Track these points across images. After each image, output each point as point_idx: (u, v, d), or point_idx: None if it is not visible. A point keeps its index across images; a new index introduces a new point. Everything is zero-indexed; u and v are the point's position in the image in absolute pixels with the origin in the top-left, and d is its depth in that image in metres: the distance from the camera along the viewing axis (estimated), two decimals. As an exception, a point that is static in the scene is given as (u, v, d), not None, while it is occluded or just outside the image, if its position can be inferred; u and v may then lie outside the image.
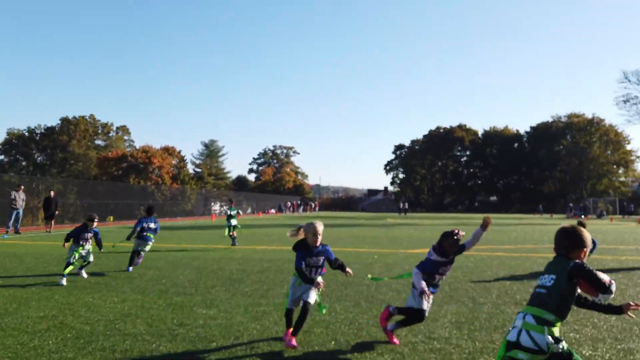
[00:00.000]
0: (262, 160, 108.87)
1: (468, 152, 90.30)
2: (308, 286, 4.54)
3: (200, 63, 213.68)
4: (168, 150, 62.33)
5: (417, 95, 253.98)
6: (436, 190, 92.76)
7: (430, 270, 4.63)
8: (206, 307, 6.17)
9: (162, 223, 14.07)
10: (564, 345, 2.79)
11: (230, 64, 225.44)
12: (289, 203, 68.38)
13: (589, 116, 78.79)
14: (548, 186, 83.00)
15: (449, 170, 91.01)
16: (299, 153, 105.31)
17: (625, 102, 62.62)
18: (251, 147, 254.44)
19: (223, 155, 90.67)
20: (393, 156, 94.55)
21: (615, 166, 77.81)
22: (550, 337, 2.75)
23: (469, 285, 7.87)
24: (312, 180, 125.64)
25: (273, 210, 60.87)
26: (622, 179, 79.46)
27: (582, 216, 50.24)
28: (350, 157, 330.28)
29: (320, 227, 4.59)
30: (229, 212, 15.28)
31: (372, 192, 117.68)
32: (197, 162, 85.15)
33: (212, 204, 67.03)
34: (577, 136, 78.59)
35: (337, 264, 4.74)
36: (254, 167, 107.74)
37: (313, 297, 4.55)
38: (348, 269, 4.75)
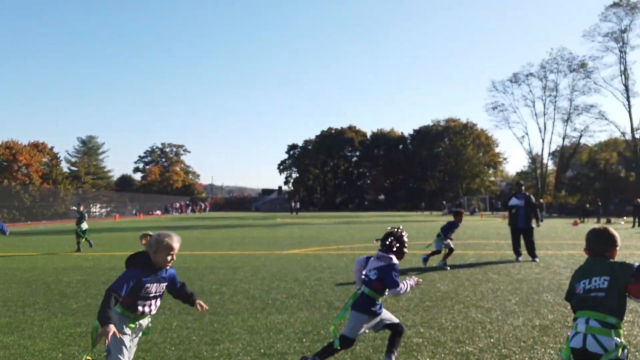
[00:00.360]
0: (150, 158, 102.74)
1: (358, 153, 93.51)
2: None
3: (76, 50, 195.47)
4: (37, 147, 55.82)
5: (310, 95, 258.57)
6: (328, 190, 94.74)
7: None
8: (7, 332, 5.03)
9: (21, 228, 12.02)
10: (626, 352, 2.69)
11: (113, 53, 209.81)
12: (177, 204, 65.12)
13: (464, 121, 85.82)
14: (429, 185, 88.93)
15: (340, 170, 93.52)
16: (189, 152, 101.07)
17: (493, 109, 69.20)
18: (137, 145, 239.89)
19: (103, 152, 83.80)
20: (286, 156, 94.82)
21: (486, 167, 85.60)
22: (618, 339, 2.64)
23: (332, 289, 7.52)
24: (205, 180, 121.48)
25: (159, 212, 57.40)
26: (492, 178, 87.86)
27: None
28: (245, 157, 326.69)
29: (177, 242, 3.15)
30: (78, 216, 13.66)
31: (266, 192, 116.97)
32: (73, 160, 77.66)
33: (91, 205, 61.85)
34: (454, 139, 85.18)
35: (184, 293, 3.41)
36: (140, 165, 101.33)
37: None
38: (200, 302, 3.47)
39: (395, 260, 3.75)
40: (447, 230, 10.26)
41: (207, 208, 70.60)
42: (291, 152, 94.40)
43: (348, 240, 17.04)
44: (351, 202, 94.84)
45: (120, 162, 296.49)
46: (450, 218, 10.71)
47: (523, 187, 11.95)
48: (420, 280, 4.07)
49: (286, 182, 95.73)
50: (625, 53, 49.95)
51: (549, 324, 5.31)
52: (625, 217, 37.76)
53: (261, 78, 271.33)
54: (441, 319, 5.50)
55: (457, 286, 7.67)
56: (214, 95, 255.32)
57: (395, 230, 3.86)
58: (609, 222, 32.16)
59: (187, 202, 69.18)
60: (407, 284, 3.74)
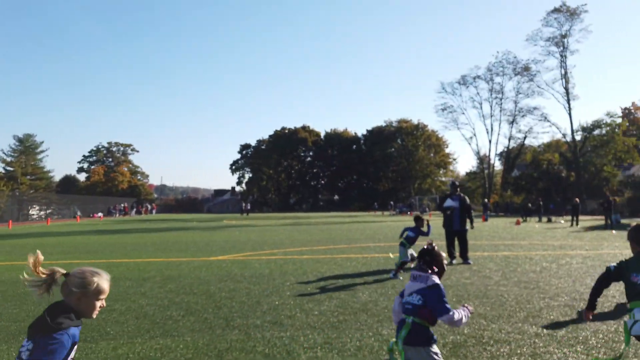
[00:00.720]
0: (95, 158, 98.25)
1: (311, 153, 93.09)
2: None
3: (11, 44, 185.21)
4: (-34, 145, 51.88)
5: (264, 95, 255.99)
6: (282, 190, 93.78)
7: None
8: None
9: None
10: None
11: (52, 47, 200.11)
12: (122, 205, 62.36)
13: (416, 122, 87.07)
14: (383, 185, 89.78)
15: (294, 170, 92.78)
16: (138, 151, 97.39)
17: (443, 110, 70.46)
18: (83, 144, 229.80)
19: (42, 152, 79.17)
20: (239, 155, 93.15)
21: (436, 167, 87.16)
22: None
23: (240, 302, 6.77)
24: (156, 181, 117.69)
25: (100, 214, 54.68)
26: (443, 178, 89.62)
27: (408, 212, 55.00)
28: (199, 157, 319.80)
29: (107, 282, 2.28)
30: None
31: (219, 193, 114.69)
32: (9, 159, 72.92)
33: (30, 207, 58.31)
34: (406, 140, 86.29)
35: None
36: (85, 165, 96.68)
37: None
38: None
39: (438, 280, 3.14)
40: (413, 238, 9.35)
41: (154, 210, 67.95)
42: (244, 152, 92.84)
43: (286, 243, 16.33)
44: (305, 202, 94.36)
45: (64, 162, 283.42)
46: (403, 218, 10.17)
47: (458, 189, 11.64)
48: (472, 308, 3.39)
49: (239, 183, 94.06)
50: (565, 57, 52.00)
51: (463, 340, 4.79)
52: (564, 216, 39.05)
53: (214, 76, 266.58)
54: (346, 338, 4.88)
55: (379, 296, 7.10)
56: (164, 93, 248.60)
57: (430, 247, 3.31)
58: (549, 220, 33.07)
59: (133, 203, 66.33)
60: (461, 313, 3.05)
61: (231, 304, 6.61)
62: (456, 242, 11.10)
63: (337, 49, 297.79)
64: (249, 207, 55.79)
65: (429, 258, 3.22)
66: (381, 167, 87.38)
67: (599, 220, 31.52)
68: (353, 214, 56.64)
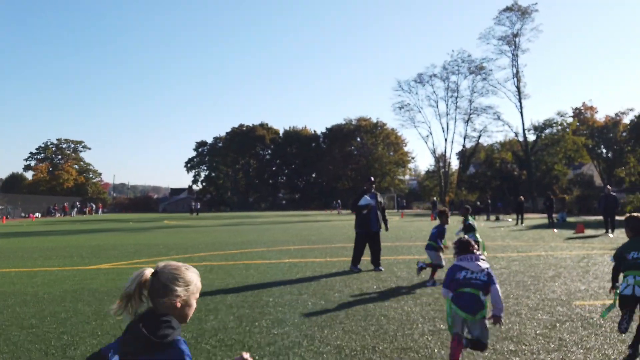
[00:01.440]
0: (43, 155, 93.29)
1: (270, 151, 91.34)
2: None
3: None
4: None
5: (223, 91, 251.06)
6: (240, 189, 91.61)
7: None
8: None
9: None
10: None
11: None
12: (65, 204, 58.94)
13: (374, 120, 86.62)
14: (343, 184, 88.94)
15: (253, 168, 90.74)
16: (89, 148, 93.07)
17: (400, 108, 70.05)
18: (31, 141, 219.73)
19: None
20: (195, 153, 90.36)
21: (395, 166, 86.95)
22: None
23: (41, 329, 5.20)
24: (115, 180, 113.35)
25: (38, 214, 51.34)
26: (401, 177, 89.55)
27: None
28: (158, 155, 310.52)
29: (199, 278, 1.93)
30: None
31: (175, 192, 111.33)
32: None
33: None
34: (365, 138, 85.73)
35: None
36: (33, 163, 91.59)
37: None
38: None
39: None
40: (439, 237, 8.53)
41: (100, 209, 64.58)
42: (200, 150, 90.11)
43: (200, 247, 14.76)
44: (264, 201, 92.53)
45: (12, 160, 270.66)
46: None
47: (374, 185, 10.20)
48: None
49: (195, 181, 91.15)
50: (517, 56, 52.21)
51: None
52: (511, 215, 38.89)
53: (170, 72, 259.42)
54: None
55: (259, 311, 5.68)
56: (120, 89, 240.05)
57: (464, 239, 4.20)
58: (497, 219, 32.65)
59: (74, 203, 62.83)
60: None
61: (37, 332, 5.03)
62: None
63: (297, 46, 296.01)
64: (198, 207, 53.62)
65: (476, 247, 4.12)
66: (340, 165, 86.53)
67: (546, 218, 31.33)
68: (307, 213, 55.35)
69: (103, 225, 30.52)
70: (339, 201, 64.56)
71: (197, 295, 1.87)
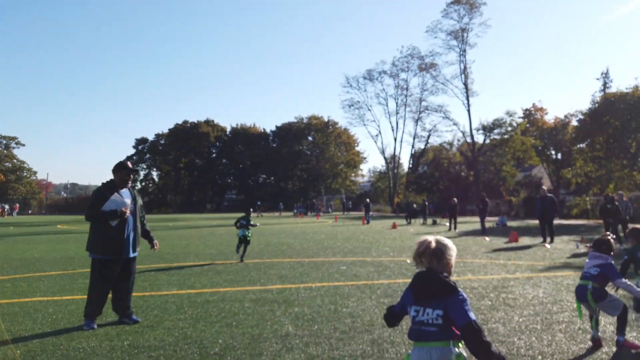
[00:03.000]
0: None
1: (215, 149, 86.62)
2: None
3: None
4: None
5: (166, 86, 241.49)
6: (183, 189, 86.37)
7: None
8: None
9: None
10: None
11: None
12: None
13: (326, 119, 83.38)
14: (294, 184, 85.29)
15: (197, 168, 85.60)
16: (24, 145, 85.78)
17: (350, 106, 67.01)
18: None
19: None
20: (134, 151, 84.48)
21: (347, 166, 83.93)
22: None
23: None
24: (62, 179, 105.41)
25: None
26: (353, 177, 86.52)
27: (305, 214, 50.61)
28: (100, 152, 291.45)
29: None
30: None
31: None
32: None
33: None
34: (316, 137, 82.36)
35: None
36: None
37: None
38: None
39: (611, 259, 4.66)
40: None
41: (15, 211, 58.17)
42: (140, 147, 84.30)
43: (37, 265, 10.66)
44: (209, 201, 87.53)
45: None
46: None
47: (131, 177, 6.00)
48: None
49: (134, 181, 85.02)
50: (465, 52, 49.91)
51: None
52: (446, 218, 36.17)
53: (108, 64, 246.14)
54: None
55: None
56: (58, 83, 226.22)
57: (607, 237, 4.79)
58: (434, 223, 29.70)
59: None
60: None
61: None
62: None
63: (246, 40, 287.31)
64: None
65: (605, 246, 4.71)
66: (290, 165, 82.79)
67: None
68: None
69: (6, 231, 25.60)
70: (281, 203, 60.91)
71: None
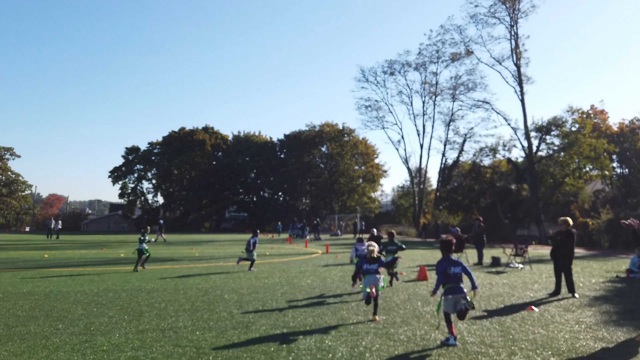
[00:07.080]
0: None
1: (215, 160, 76.01)
2: None
3: None
4: None
5: (166, 95, 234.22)
6: (177, 205, 75.80)
7: None
8: None
9: None
10: None
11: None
12: None
13: (340, 126, 72.03)
14: (301, 200, 73.94)
15: (192, 179, 74.71)
16: (19, 156, 77.30)
17: (367, 107, 55.38)
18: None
19: None
20: (123, 161, 74.50)
21: (365, 181, 71.96)
22: None
23: None
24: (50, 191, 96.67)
25: None
26: (373, 194, 74.26)
27: (301, 237, 38.66)
28: (101, 166, 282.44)
29: None
30: None
31: (116, 207, 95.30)
32: None
33: None
34: (329, 147, 71.00)
35: None
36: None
37: None
38: None
39: None
40: None
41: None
42: (130, 157, 74.30)
43: None
44: (208, 219, 76.52)
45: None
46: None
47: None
48: None
49: (122, 195, 74.82)
50: (516, 23, 37.45)
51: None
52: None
53: (104, 71, 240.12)
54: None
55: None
56: (58, 95, 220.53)
57: None
58: (480, 262, 17.52)
59: None
60: None
61: None
62: None
63: (254, 44, 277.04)
64: (59, 227, 38.06)
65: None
66: (298, 180, 71.40)
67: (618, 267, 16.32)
68: (238, 238, 39.76)
69: None
70: (279, 223, 49.54)
71: None
